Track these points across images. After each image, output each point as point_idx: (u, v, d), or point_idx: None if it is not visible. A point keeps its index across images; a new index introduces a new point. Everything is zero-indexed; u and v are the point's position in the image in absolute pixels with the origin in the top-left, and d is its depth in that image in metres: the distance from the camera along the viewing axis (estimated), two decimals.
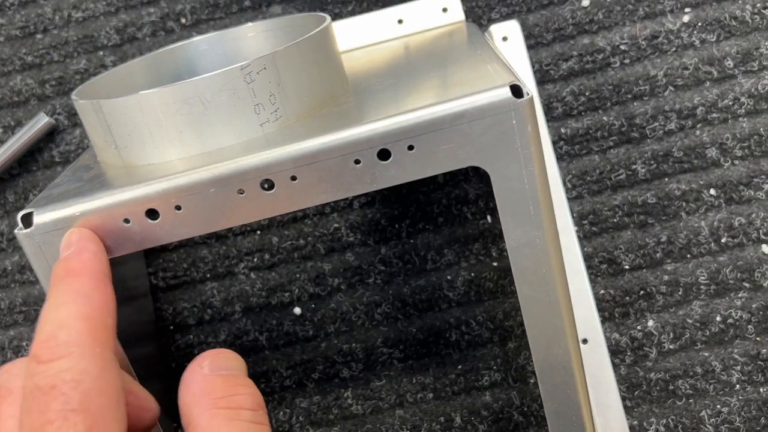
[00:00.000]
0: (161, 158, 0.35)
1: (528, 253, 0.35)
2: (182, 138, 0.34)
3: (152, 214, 0.33)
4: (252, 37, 0.46)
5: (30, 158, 0.54)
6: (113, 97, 0.34)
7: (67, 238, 0.33)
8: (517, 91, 0.32)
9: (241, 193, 0.33)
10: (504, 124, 0.32)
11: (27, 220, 0.34)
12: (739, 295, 0.48)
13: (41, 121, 0.53)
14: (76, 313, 0.29)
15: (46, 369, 0.28)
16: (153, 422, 0.35)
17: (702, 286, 0.48)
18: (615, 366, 0.48)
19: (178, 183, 0.33)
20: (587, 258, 0.49)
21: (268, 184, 0.33)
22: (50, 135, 0.54)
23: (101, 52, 0.54)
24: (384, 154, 0.33)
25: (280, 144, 0.33)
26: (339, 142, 0.32)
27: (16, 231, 0.34)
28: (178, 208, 0.33)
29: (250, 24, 0.46)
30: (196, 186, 0.33)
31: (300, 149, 0.32)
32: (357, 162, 0.33)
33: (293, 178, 0.33)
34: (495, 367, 0.49)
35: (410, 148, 0.32)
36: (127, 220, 0.33)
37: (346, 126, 0.33)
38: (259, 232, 0.51)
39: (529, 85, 0.50)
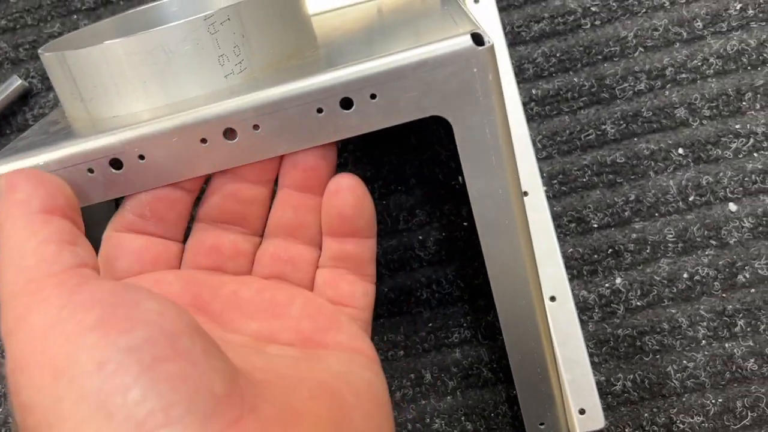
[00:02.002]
0: (127, 110, 0.35)
1: (490, 203, 0.35)
2: (147, 89, 0.34)
3: (116, 163, 0.33)
4: None
5: (3, 122, 0.54)
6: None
7: None
8: (478, 39, 0.32)
9: (204, 142, 0.33)
10: (465, 73, 0.32)
11: None
12: (706, 253, 0.48)
13: (14, 84, 0.53)
14: None
15: None
16: None
17: (669, 244, 0.49)
18: (583, 323, 0.48)
19: (140, 132, 0.33)
20: (556, 217, 0.49)
21: (231, 133, 0.33)
22: (24, 98, 0.54)
23: (75, 16, 0.54)
24: (346, 103, 0.33)
25: (244, 94, 0.33)
26: (300, 90, 0.32)
27: None
28: (142, 157, 0.33)
29: None
30: (158, 135, 0.33)
31: (261, 97, 0.32)
32: (319, 111, 0.33)
33: (256, 127, 0.33)
34: (465, 325, 0.49)
35: (373, 96, 0.33)
36: (91, 170, 0.33)
37: (308, 75, 0.33)
38: None
39: (501, 47, 0.50)
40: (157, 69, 0.34)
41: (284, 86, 0.33)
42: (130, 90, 0.34)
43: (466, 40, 0.32)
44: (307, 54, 0.37)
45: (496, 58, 0.33)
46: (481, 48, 0.32)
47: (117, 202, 0.51)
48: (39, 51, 0.37)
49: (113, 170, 0.34)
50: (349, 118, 0.33)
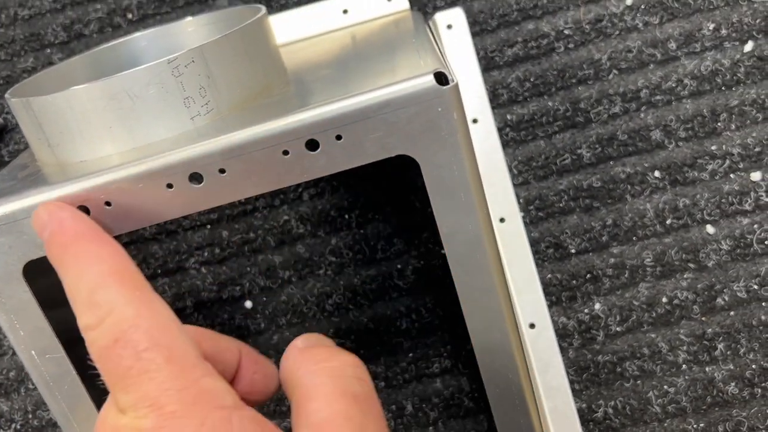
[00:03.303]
0: (94, 155, 0.35)
1: (461, 239, 0.35)
2: (112, 133, 0.34)
3: (83, 211, 0.33)
4: (192, 32, 0.46)
5: None
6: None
7: (38, 220, 0.32)
8: (441, 78, 0.32)
9: (170, 187, 0.33)
10: (430, 112, 0.32)
11: None
12: (685, 276, 0.48)
13: None
14: (99, 272, 0.29)
15: (101, 330, 0.28)
16: (275, 388, 0.36)
17: (648, 268, 0.48)
18: (563, 349, 0.48)
19: (106, 179, 0.33)
20: (534, 243, 0.49)
21: (197, 178, 0.33)
22: None
23: (48, 50, 0.54)
24: (312, 145, 0.33)
25: (210, 136, 0.32)
26: (266, 133, 0.32)
27: None
28: (108, 204, 0.33)
29: (190, 18, 0.46)
30: (124, 181, 0.33)
31: (227, 141, 0.32)
32: (285, 153, 0.33)
33: (222, 171, 0.33)
34: (445, 354, 0.49)
35: (338, 137, 0.32)
36: None
37: (274, 117, 0.33)
38: (209, 226, 0.51)
39: (474, 72, 0.50)
40: (122, 113, 0.34)
41: (249, 129, 0.32)
42: (96, 135, 0.34)
43: (429, 80, 0.32)
44: (275, 92, 0.37)
45: (460, 96, 0.32)
46: (444, 87, 0.32)
47: None
48: (6, 95, 0.37)
49: None
50: (315, 159, 0.33)
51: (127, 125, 0.34)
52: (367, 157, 0.33)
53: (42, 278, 0.37)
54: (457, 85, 0.32)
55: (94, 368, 0.40)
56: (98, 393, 0.38)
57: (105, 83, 0.33)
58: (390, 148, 0.33)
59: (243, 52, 0.36)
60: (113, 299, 0.29)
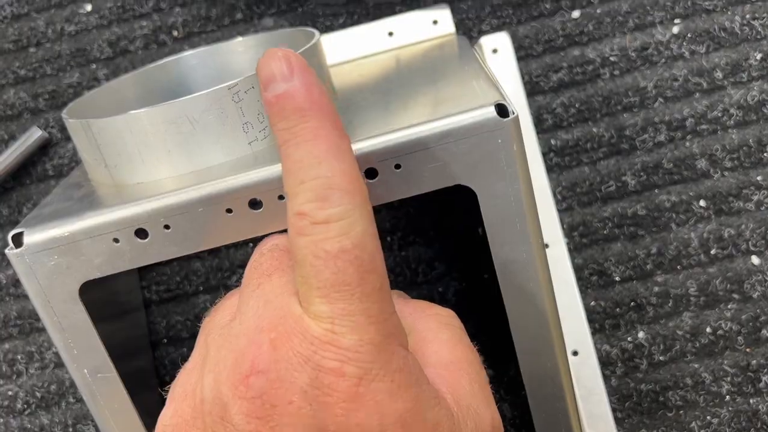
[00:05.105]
0: (151, 177, 0.35)
1: (515, 269, 0.35)
2: (171, 157, 0.34)
3: (141, 233, 0.33)
4: (242, 52, 0.46)
5: (23, 172, 0.54)
6: (104, 115, 0.34)
7: (275, 65, 0.29)
8: (502, 110, 0.32)
9: (230, 212, 0.33)
10: (489, 143, 0.32)
11: (17, 240, 0.34)
12: (729, 307, 0.48)
13: (34, 135, 0.53)
14: (339, 169, 0.28)
15: (326, 230, 0.27)
16: None
17: (692, 298, 0.48)
18: (606, 377, 0.48)
19: (166, 202, 0.33)
20: (578, 270, 0.49)
21: (257, 204, 0.33)
22: (43, 148, 0.54)
23: (94, 66, 0.54)
24: (371, 173, 0.33)
25: (269, 163, 0.33)
26: None
27: (6, 251, 0.34)
28: (167, 227, 0.33)
29: (240, 39, 0.46)
30: (184, 205, 0.33)
31: None
32: None
33: (281, 198, 0.33)
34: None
35: (397, 167, 0.33)
36: (116, 240, 0.34)
37: None
38: (251, 244, 0.51)
39: (519, 97, 0.50)
40: (182, 138, 0.34)
41: None
42: (154, 158, 0.35)
43: (490, 112, 0.32)
44: None
45: (520, 128, 0.33)
46: (505, 119, 0.32)
47: (140, 271, 0.51)
48: (63, 115, 0.37)
49: (139, 239, 0.34)
50: (373, 188, 0.33)
51: (186, 149, 0.34)
52: (424, 187, 0.33)
53: (94, 295, 0.37)
54: (517, 118, 0.32)
55: (144, 388, 0.40)
56: (146, 411, 0.39)
57: (166, 108, 0.33)
58: (448, 178, 0.33)
59: None
60: (349, 207, 0.27)
